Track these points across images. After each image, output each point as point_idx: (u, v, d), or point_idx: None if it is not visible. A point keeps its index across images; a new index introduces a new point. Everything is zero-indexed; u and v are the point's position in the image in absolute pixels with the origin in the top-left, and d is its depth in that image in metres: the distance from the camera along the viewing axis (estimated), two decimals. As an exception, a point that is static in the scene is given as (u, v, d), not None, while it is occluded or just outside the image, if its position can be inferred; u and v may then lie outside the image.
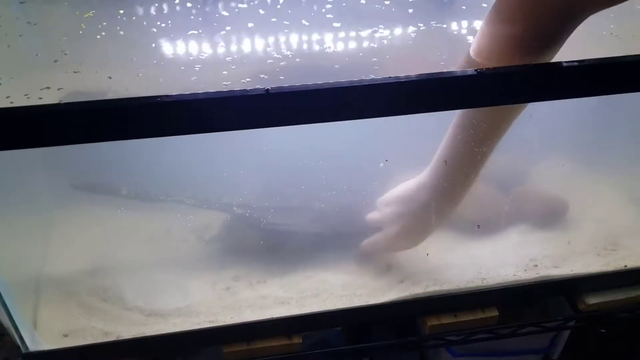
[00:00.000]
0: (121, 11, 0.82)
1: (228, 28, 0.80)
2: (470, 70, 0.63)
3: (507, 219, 0.93)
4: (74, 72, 0.70)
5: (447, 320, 0.88)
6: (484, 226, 0.92)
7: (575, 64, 0.65)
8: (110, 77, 0.69)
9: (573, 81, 0.67)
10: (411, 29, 0.80)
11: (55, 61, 0.71)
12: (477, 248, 0.91)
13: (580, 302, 0.92)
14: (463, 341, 0.89)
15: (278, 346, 0.84)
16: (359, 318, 0.88)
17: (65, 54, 0.72)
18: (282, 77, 0.68)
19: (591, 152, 0.95)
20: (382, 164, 0.80)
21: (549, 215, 0.96)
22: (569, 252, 0.92)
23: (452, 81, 0.63)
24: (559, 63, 0.64)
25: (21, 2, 0.83)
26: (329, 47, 0.77)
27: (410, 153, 0.82)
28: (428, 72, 0.63)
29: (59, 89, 0.65)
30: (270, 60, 0.73)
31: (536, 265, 0.90)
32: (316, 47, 0.77)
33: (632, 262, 0.92)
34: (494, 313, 0.88)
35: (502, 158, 0.91)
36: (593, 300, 0.92)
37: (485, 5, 0.87)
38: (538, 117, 0.81)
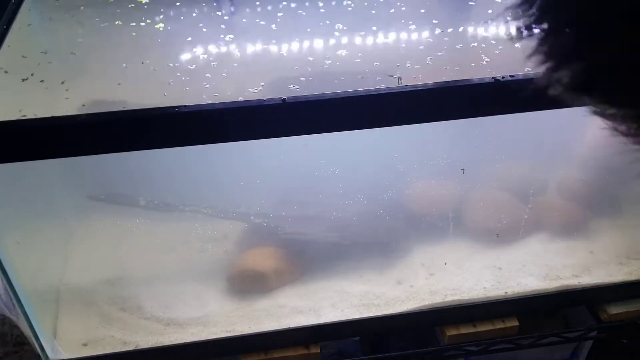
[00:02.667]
0: (143, 23, 0.83)
1: (246, 38, 0.81)
2: (488, 78, 0.63)
3: (527, 228, 0.92)
4: (93, 82, 0.71)
5: (466, 330, 0.87)
6: (503, 235, 0.91)
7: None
8: (121, 86, 0.70)
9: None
10: (428, 36, 0.80)
11: (78, 71, 0.72)
12: (496, 257, 0.91)
13: (602, 312, 0.90)
14: (482, 351, 0.88)
15: (295, 356, 0.84)
16: (376, 328, 0.87)
17: (87, 66, 0.74)
18: (298, 87, 0.68)
19: (612, 160, 0.94)
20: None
21: (570, 225, 0.94)
22: (591, 261, 0.91)
23: (470, 89, 0.63)
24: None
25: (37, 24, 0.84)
26: (345, 57, 0.77)
27: (429, 161, 0.82)
28: (445, 80, 0.63)
29: (79, 99, 0.66)
30: (287, 70, 0.73)
31: (557, 275, 0.89)
32: (332, 57, 0.77)
33: (655, 271, 0.90)
34: (514, 323, 0.87)
35: (523, 167, 0.91)
36: (615, 310, 0.90)
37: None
38: (559, 125, 0.80)
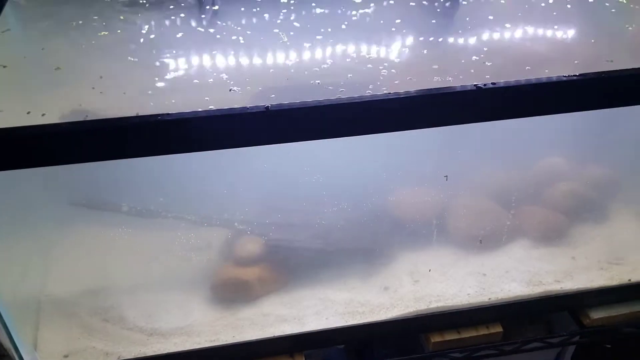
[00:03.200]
0: (125, 29, 0.82)
1: (231, 46, 0.80)
2: (470, 86, 0.63)
3: (510, 235, 0.93)
4: (72, 91, 0.70)
5: (450, 336, 0.87)
6: (486, 242, 0.92)
7: (574, 77, 0.65)
8: (101, 94, 0.69)
9: (575, 95, 0.67)
10: (413, 44, 0.81)
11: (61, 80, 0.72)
12: (480, 264, 0.91)
13: (585, 317, 0.91)
14: (467, 358, 0.88)
15: (280, 365, 0.83)
16: (361, 335, 0.87)
17: (66, 73, 0.73)
18: (281, 95, 0.68)
19: (594, 166, 0.95)
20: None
21: (552, 231, 0.95)
22: (573, 266, 0.92)
23: (455, 96, 0.63)
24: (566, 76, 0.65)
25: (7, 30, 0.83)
26: (328, 64, 0.77)
27: (412, 168, 0.82)
28: (429, 87, 0.63)
29: (58, 108, 0.65)
30: (271, 78, 0.73)
31: (540, 281, 0.90)
32: (316, 64, 0.77)
33: (636, 276, 0.91)
34: (498, 329, 0.88)
35: (505, 174, 0.91)
36: (597, 315, 0.91)
37: (491, 17, 0.87)
38: (541, 130, 0.81)
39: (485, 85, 0.63)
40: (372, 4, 0.90)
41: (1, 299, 0.72)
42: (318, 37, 0.82)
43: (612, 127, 0.86)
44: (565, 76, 0.65)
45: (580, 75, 0.65)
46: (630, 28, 0.86)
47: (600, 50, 0.82)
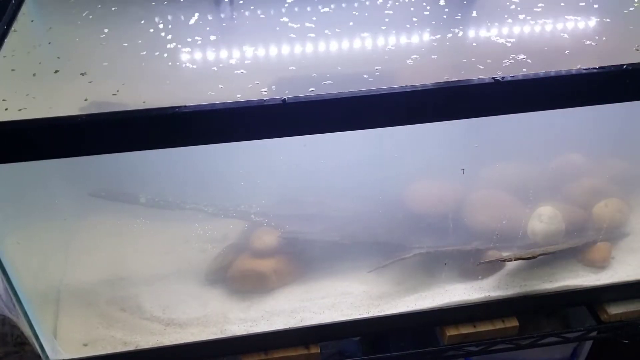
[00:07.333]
0: (144, 23, 0.83)
1: (247, 39, 0.80)
2: (487, 79, 0.63)
3: (527, 228, 0.92)
4: (93, 83, 0.71)
5: (466, 330, 0.87)
6: (503, 235, 0.91)
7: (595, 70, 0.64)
8: (122, 86, 0.70)
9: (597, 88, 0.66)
10: (429, 38, 0.80)
11: (82, 74, 0.72)
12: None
13: (602, 312, 0.90)
14: (482, 351, 0.88)
15: (296, 356, 0.84)
16: (376, 328, 0.87)
17: (86, 67, 0.73)
18: (298, 87, 0.68)
19: (613, 160, 0.94)
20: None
21: (569, 225, 0.94)
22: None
23: (469, 90, 0.63)
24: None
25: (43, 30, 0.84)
26: (347, 56, 0.77)
27: (429, 161, 0.82)
28: (445, 80, 0.63)
29: (79, 100, 0.66)
30: (288, 71, 0.73)
31: (557, 275, 0.89)
32: (333, 57, 0.77)
33: (655, 272, 0.90)
34: (514, 323, 0.87)
35: (523, 168, 0.91)
36: (615, 310, 0.90)
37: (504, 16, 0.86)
38: (558, 123, 0.80)
39: (503, 77, 0.63)
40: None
41: (22, 288, 0.73)
42: (339, 25, 0.82)
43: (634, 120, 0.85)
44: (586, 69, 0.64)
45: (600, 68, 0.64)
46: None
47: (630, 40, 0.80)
